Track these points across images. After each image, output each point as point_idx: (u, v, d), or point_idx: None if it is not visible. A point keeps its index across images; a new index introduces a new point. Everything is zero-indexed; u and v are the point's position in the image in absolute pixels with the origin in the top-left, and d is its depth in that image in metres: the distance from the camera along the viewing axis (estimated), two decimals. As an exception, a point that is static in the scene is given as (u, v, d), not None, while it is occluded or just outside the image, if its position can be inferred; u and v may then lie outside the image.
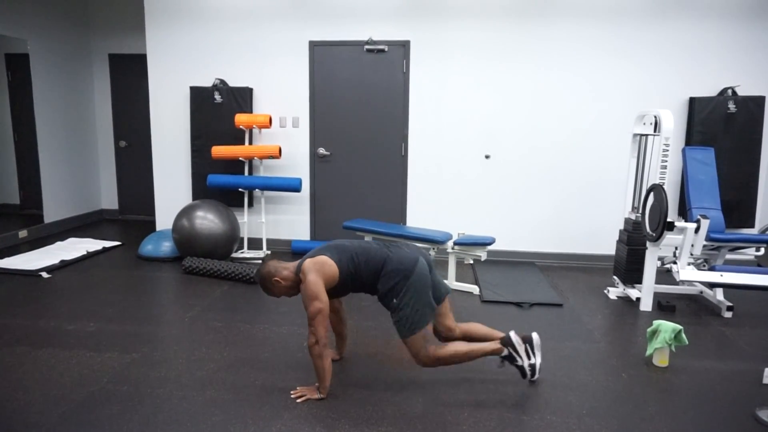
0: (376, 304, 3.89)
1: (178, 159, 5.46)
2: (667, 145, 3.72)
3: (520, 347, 2.64)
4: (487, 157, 5.13)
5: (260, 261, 5.03)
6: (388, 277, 2.53)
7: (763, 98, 4.76)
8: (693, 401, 2.59)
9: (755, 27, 4.76)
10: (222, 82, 5.24)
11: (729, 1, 4.74)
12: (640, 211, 4.01)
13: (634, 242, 4.05)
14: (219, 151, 5.01)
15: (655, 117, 3.89)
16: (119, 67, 6.62)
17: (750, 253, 4.40)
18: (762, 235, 4.20)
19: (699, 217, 3.75)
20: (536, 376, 2.68)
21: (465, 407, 2.48)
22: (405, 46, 5.05)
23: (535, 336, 2.67)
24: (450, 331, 2.73)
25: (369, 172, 5.27)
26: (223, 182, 5.02)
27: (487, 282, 4.45)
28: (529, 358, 2.65)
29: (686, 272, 3.65)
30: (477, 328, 2.80)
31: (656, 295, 4.05)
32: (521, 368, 2.66)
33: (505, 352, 2.64)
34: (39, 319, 3.46)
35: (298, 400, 2.50)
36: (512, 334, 2.65)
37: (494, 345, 2.64)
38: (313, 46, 5.14)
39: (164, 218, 5.55)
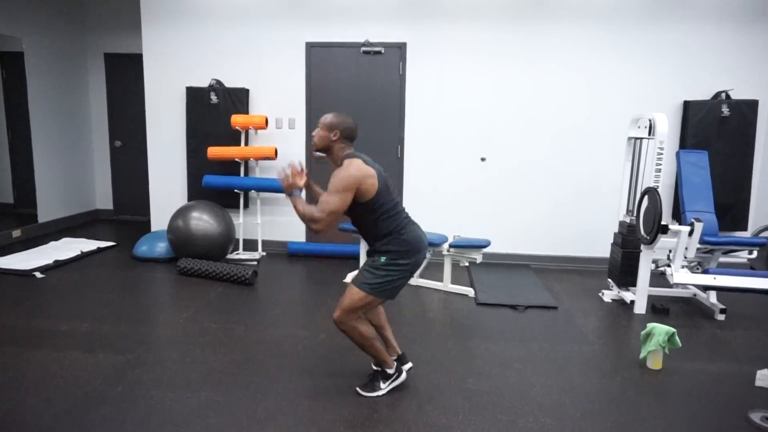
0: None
1: (174, 159, 5.45)
2: (661, 148, 3.74)
3: (396, 382, 2.63)
4: (483, 159, 5.14)
5: (255, 262, 5.02)
6: (398, 241, 2.48)
7: (756, 102, 4.79)
8: (686, 403, 2.60)
9: (749, 31, 4.79)
10: (218, 82, 5.23)
11: (724, 5, 4.78)
12: (635, 214, 4.03)
13: (628, 245, 4.07)
14: (215, 151, 5.00)
15: (650, 120, 3.91)
16: (115, 67, 6.60)
17: (743, 256, 4.43)
18: (755, 238, 4.23)
19: (693, 220, 3.77)
20: (362, 394, 2.60)
21: (459, 410, 2.49)
22: (401, 48, 5.06)
23: (404, 375, 2.68)
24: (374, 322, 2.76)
25: (365, 174, 5.26)
26: (219, 183, 5.01)
27: (483, 284, 4.45)
28: (387, 385, 2.63)
29: (680, 275, 3.67)
30: (385, 323, 2.80)
31: (650, 297, 4.07)
32: (374, 387, 2.60)
33: (391, 371, 2.62)
34: (32, 319, 3.45)
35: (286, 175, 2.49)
36: (406, 370, 2.69)
37: (390, 360, 2.63)
38: (310, 47, 5.14)
39: (159, 219, 5.53)
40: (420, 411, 2.47)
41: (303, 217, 2.41)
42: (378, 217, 2.48)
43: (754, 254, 4.29)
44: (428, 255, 4.31)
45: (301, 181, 2.53)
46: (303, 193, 2.53)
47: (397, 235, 2.49)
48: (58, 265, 4.66)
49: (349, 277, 4.49)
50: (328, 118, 2.58)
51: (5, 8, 5.33)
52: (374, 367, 2.68)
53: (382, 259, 2.49)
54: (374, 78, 5.14)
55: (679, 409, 2.55)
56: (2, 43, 5.32)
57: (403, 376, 2.69)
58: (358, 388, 2.63)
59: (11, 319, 3.43)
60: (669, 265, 3.85)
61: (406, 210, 2.63)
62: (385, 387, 2.62)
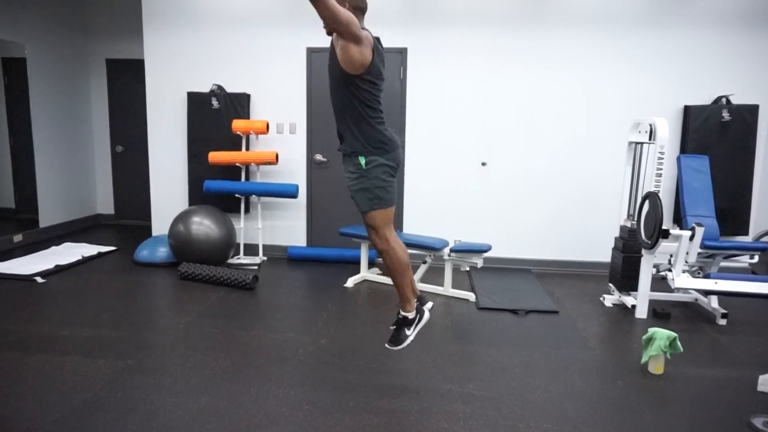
0: (372, 311, 3.88)
1: (175, 164, 5.46)
2: (662, 152, 3.75)
3: (421, 324, 2.64)
4: (483, 164, 5.15)
5: (256, 267, 5.02)
6: (373, 136, 2.52)
7: (756, 107, 4.79)
8: (688, 408, 2.60)
9: (749, 36, 4.80)
10: (219, 87, 5.25)
11: (724, 10, 4.79)
12: (636, 219, 4.03)
13: (629, 250, 4.07)
14: (216, 156, 5.01)
15: (651, 125, 3.92)
16: (116, 72, 6.63)
17: (744, 260, 4.43)
18: (756, 243, 4.23)
19: (694, 224, 3.77)
20: (393, 348, 2.67)
21: (460, 415, 2.48)
22: (402, 53, 5.07)
23: (427, 314, 2.70)
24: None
25: (366, 179, 5.27)
26: (220, 188, 5.02)
27: (484, 289, 4.45)
28: (412, 330, 2.66)
29: (681, 280, 3.67)
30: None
31: (651, 302, 4.06)
32: (400, 337, 2.62)
33: (411, 315, 2.63)
34: (32, 324, 3.45)
35: None
36: (428, 313, 2.67)
37: (413, 300, 2.65)
38: (311, 52, 5.16)
39: (160, 223, 5.54)
40: (421, 416, 2.46)
41: None
42: (360, 98, 2.49)
43: (756, 259, 4.29)
44: (429, 260, 4.31)
45: None
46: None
47: (372, 128, 2.51)
48: (59, 269, 4.67)
49: (350, 282, 4.49)
50: None
51: (8, 14, 5.35)
52: (392, 327, 2.69)
53: (362, 160, 2.51)
54: (375, 83, 5.15)
55: (681, 414, 2.54)
56: (5, 49, 5.34)
57: (427, 315, 2.69)
58: (387, 345, 2.65)
59: (12, 324, 3.43)
60: (670, 270, 3.85)
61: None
62: (411, 333, 2.63)
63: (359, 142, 2.54)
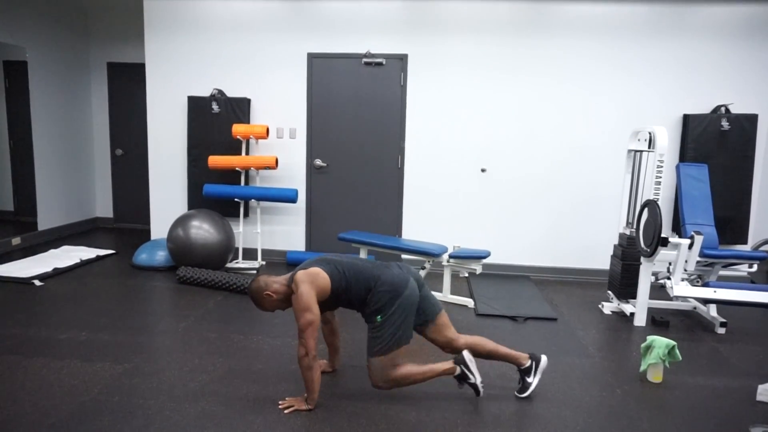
0: (370, 317, 3.88)
1: (175, 168, 5.46)
2: (661, 161, 3.76)
3: (472, 364, 2.61)
4: (483, 170, 5.16)
5: (255, 271, 5.02)
6: (378, 295, 2.53)
7: (755, 116, 4.81)
8: (687, 417, 2.59)
9: (749, 46, 4.83)
10: (220, 92, 5.26)
11: (724, 20, 4.82)
12: (635, 227, 4.03)
13: (628, 257, 4.07)
14: (216, 160, 5.01)
15: (650, 133, 3.93)
16: (117, 76, 6.64)
17: (743, 269, 4.43)
18: (755, 252, 4.22)
19: (693, 233, 3.78)
20: (522, 394, 2.71)
21: (458, 421, 2.47)
22: (403, 59, 5.09)
23: (543, 359, 2.74)
24: (453, 342, 2.72)
25: (365, 184, 5.28)
26: (220, 192, 5.02)
27: (482, 295, 4.44)
28: (533, 377, 2.72)
29: (680, 288, 3.67)
30: (482, 342, 2.76)
31: (650, 310, 4.06)
32: (474, 386, 2.62)
33: (458, 371, 2.62)
34: (30, 327, 3.43)
35: (286, 411, 2.49)
36: (465, 353, 2.64)
37: (447, 365, 2.62)
38: (312, 58, 5.18)
39: (159, 227, 5.53)
40: (418, 423, 2.45)
41: (300, 360, 2.46)
42: (353, 290, 2.56)
43: (755, 268, 4.29)
44: (427, 266, 4.31)
45: (303, 404, 2.55)
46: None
47: (375, 289, 2.54)
48: (57, 273, 4.66)
49: None
50: (255, 299, 2.65)
51: (10, 18, 5.37)
52: (456, 378, 2.67)
53: (378, 318, 2.53)
54: (375, 89, 5.17)
55: (680, 423, 2.53)
56: (6, 53, 5.35)
57: (544, 359, 2.74)
58: (516, 392, 2.70)
59: (9, 328, 3.42)
60: (669, 278, 3.85)
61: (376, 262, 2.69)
62: (533, 379, 2.72)
63: (372, 306, 2.57)
